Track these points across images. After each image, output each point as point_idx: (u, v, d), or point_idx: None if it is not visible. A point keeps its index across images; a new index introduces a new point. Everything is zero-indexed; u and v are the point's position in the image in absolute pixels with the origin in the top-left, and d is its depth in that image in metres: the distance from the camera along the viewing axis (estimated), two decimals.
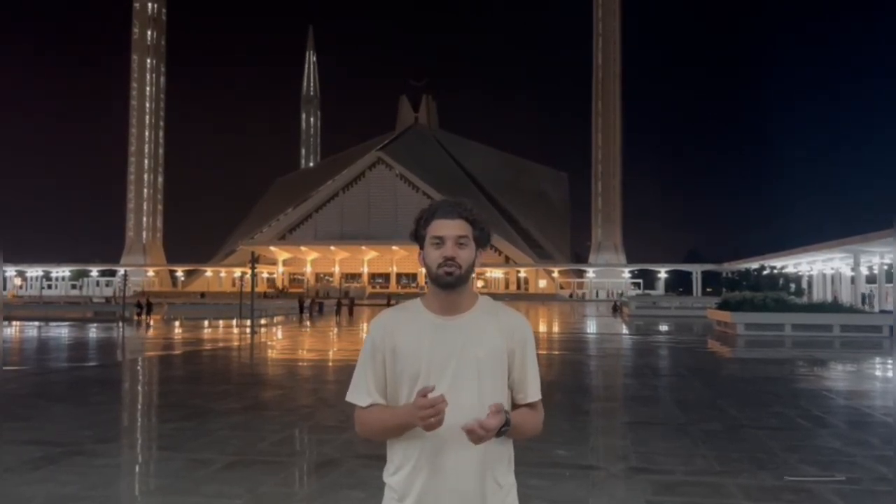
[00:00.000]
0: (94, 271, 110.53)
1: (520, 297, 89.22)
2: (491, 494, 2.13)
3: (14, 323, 35.06)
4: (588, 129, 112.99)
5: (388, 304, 57.16)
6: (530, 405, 2.22)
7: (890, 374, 16.19)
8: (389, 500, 2.19)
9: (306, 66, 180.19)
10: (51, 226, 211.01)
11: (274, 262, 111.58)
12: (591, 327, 35.83)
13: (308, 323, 37.64)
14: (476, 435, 1.99)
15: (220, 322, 37.41)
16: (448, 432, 2.06)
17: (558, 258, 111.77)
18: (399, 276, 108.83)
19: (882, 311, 36.53)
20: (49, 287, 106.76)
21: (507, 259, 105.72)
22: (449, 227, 2.15)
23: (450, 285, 2.14)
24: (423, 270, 2.25)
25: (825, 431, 8.72)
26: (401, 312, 2.24)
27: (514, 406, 2.21)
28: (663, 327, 34.32)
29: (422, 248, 2.21)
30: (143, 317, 38.39)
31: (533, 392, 2.22)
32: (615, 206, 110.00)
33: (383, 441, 2.21)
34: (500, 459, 2.16)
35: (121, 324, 33.99)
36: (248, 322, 31.30)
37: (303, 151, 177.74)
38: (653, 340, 26.36)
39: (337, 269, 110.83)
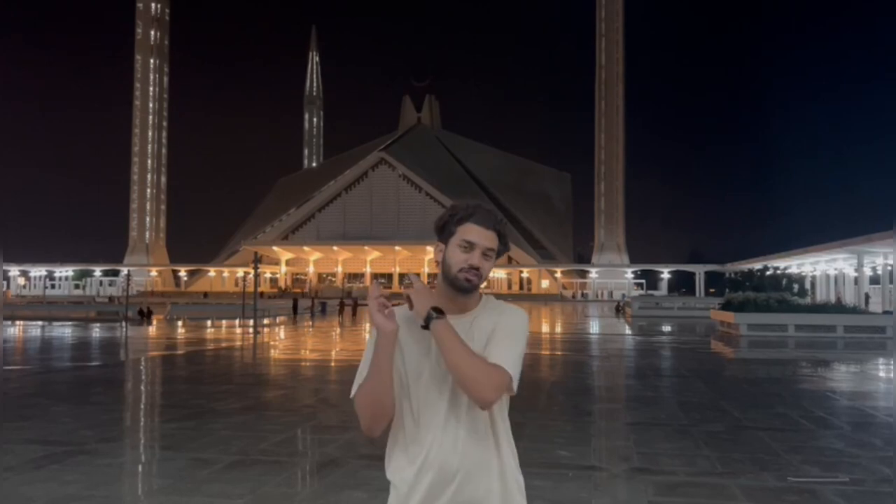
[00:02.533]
0: (98, 271, 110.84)
1: (522, 297, 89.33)
2: (496, 493, 2.13)
3: (17, 322, 35.15)
4: (591, 130, 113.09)
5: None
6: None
7: (893, 375, 16.15)
8: (394, 500, 2.18)
9: (309, 66, 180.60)
10: (54, 226, 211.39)
11: (277, 263, 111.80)
12: (594, 328, 35.82)
13: (307, 324, 37.59)
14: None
15: (223, 322, 37.46)
16: (452, 433, 2.07)
17: (561, 259, 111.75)
18: (401, 276, 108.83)
19: (885, 312, 36.44)
20: (52, 287, 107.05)
21: (510, 259, 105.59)
22: (483, 237, 2.13)
23: (465, 290, 2.14)
24: (437, 262, 2.22)
25: (828, 432, 8.70)
26: (405, 311, 2.24)
27: None
28: (666, 328, 34.30)
29: (444, 242, 2.17)
30: (144, 320, 38.45)
31: (498, 354, 2.04)
32: (618, 207, 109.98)
33: (385, 436, 2.20)
34: (504, 457, 2.16)
35: (124, 324, 34.05)
36: (251, 322, 31.37)
37: (305, 151, 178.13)
38: (655, 341, 26.33)
39: (340, 270, 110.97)
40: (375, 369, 2.05)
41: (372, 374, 2.07)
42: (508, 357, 2.03)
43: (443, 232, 2.18)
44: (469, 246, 2.11)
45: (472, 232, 2.13)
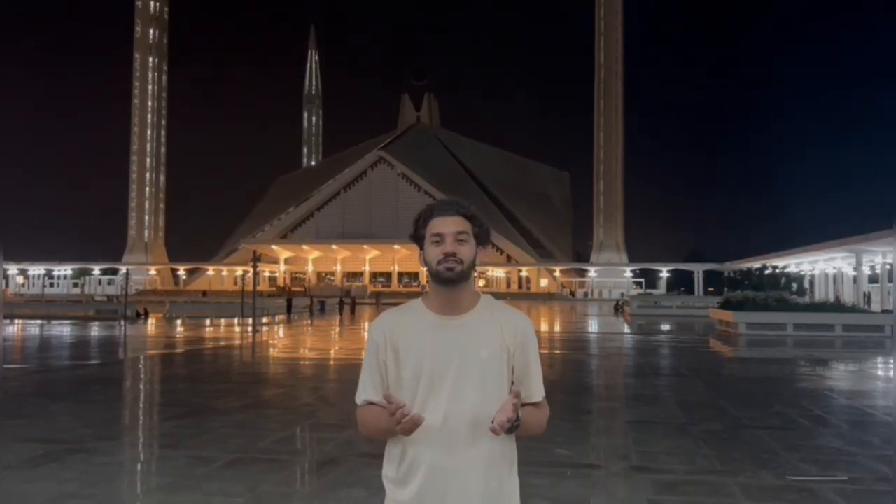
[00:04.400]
0: (97, 270, 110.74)
1: (521, 296, 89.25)
2: (494, 493, 2.13)
3: (16, 321, 35.11)
4: (590, 129, 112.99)
5: (377, 304, 56.59)
6: (534, 404, 2.22)
7: (891, 373, 16.16)
8: (390, 500, 2.19)
9: (308, 64, 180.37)
10: (53, 224, 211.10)
11: (276, 261, 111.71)
12: (593, 327, 35.82)
13: (307, 322, 37.57)
14: (504, 426, 2.00)
15: (222, 321, 37.43)
16: (451, 432, 2.08)
17: (560, 257, 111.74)
18: (401, 275, 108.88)
19: (884, 311, 36.45)
20: (51, 285, 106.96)
21: (509, 258, 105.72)
22: (447, 224, 2.15)
23: (451, 281, 2.13)
24: (425, 270, 2.24)
25: (827, 431, 8.71)
26: (401, 313, 2.24)
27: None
28: (665, 327, 34.31)
29: (421, 248, 2.21)
30: (141, 318, 38.41)
31: (536, 391, 2.22)
32: (617, 206, 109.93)
33: (384, 439, 2.21)
34: (503, 457, 2.16)
35: (122, 322, 34.02)
36: (250, 321, 31.34)
37: (304, 150, 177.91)
38: (654, 340, 26.35)
39: (339, 269, 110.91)
40: (384, 429, 2.12)
41: (380, 425, 2.13)
42: (541, 384, 2.26)
43: (417, 239, 2.22)
44: (440, 238, 2.15)
45: (438, 224, 2.16)
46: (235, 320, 36.50)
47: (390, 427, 2.02)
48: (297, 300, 53.55)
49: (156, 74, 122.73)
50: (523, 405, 2.20)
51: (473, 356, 2.11)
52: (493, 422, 2.00)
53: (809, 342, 23.20)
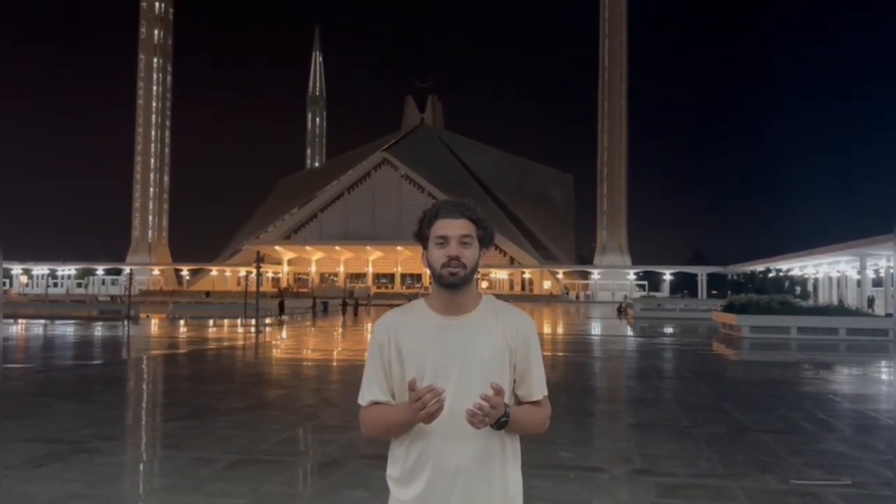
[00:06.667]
0: (100, 270, 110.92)
1: (524, 298, 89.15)
2: (498, 490, 2.13)
3: (19, 321, 35.18)
4: (594, 131, 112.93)
5: (368, 306, 56.20)
6: (535, 402, 2.21)
7: (895, 377, 16.11)
8: (394, 500, 2.18)
9: (312, 66, 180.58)
10: (57, 224, 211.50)
11: (279, 262, 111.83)
12: (596, 329, 35.78)
13: (308, 323, 37.57)
14: (478, 416, 1.97)
15: (225, 321, 37.46)
16: (454, 431, 2.07)
17: (563, 259, 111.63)
18: (403, 276, 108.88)
19: (888, 315, 36.34)
20: (55, 285, 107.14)
21: (512, 260, 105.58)
22: (453, 227, 2.15)
23: (454, 285, 2.14)
24: (427, 270, 2.24)
25: (830, 435, 8.68)
26: (404, 313, 2.24)
27: (519, 403, 2.21)
28: (668, 329, 34.24)
29: (425, 248, 2.21)
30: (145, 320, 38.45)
31: (537, 389, 2.21)
32: (620, 208, 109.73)
33: (388, 440, 2.21)
34: (506, 455, 2.16)
35: (126, 322, 34.06)
36: (253, 321, 31.36)
37: (308, 151, 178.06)
38: (657, 343, 26.30)
39: (342, 270, 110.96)
40: (394, 424, 2.12)
41: (389, 421, 2.12)
42: (543, 383, 2.23)
43: (421, 238, 2.22)
44: (444, 241, 2.15)
45: (443, 227, 2.16)
46: (238, 321, 36.52)
47: (408, 417, 2.02)
48: (293, 301, 53.40)
49: (160, 75, 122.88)
50: (522, 403, 2.20)
51: (476, 356, 2.12)
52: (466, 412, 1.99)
53: (813, 346, 23.14)
